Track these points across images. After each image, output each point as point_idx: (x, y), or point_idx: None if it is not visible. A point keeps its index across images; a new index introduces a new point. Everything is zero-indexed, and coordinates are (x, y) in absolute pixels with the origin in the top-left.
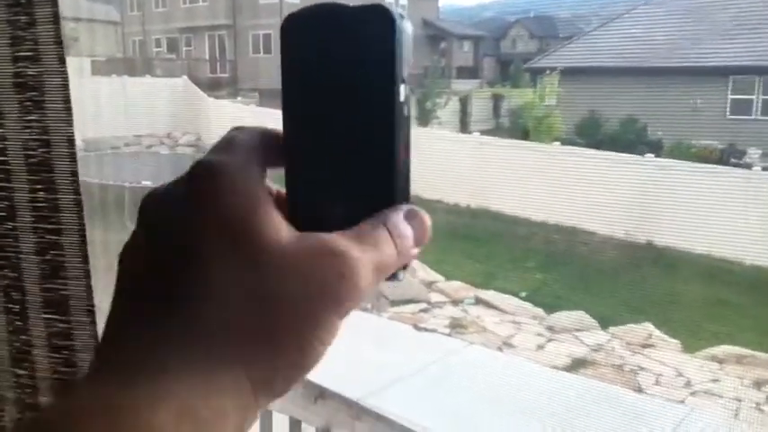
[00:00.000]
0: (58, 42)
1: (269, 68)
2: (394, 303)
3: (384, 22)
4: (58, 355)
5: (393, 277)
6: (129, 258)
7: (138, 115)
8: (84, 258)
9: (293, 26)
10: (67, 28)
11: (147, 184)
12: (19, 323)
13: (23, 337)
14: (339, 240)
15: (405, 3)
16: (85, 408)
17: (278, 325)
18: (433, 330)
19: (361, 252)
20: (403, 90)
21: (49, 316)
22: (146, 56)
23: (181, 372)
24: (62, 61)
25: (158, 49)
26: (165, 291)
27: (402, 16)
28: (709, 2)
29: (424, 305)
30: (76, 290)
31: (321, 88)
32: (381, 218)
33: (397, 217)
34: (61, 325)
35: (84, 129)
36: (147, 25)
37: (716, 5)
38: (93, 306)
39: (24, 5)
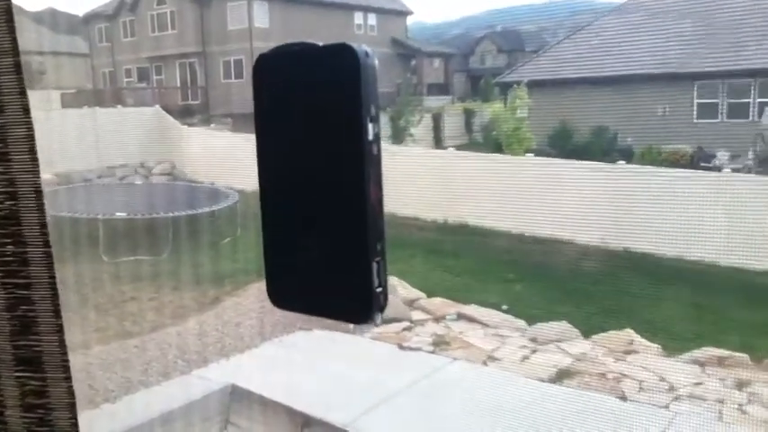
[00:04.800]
0: (22, 93)
1: (241, 93)
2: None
3: (351, 60)
4: (31, 415)
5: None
6: None
7: (110, 146)
8: (57, 313)
9: (264, 66)
10: (35, 62)
11: (122, 215)
12: None
13: None
14: None
15: (373, 23)
16: None
17: None
18: (417, 349)
19: None
20: (371, 128)
21: (22, 374)
22: (116, 86)
23: None
24: (26, 112)
25: (129, 79)
26: None
27: (368, 54)
28: (670, 11)
29: (406, 323)
30: (49, 346)
31: (293, 126)
32: None
33: None
34: (35, 383)
35: (54, 162)
36: (117, 56)
37: (676, 14)
38: (67, 361)
39: None
